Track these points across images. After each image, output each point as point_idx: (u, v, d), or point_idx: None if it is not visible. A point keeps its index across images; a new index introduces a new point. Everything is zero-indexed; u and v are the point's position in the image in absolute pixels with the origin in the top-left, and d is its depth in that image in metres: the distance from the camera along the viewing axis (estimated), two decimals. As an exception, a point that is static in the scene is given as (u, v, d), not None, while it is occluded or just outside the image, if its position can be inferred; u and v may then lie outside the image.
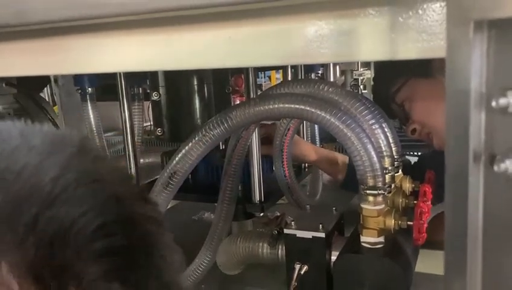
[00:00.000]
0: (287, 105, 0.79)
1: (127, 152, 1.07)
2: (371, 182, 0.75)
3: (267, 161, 1.12)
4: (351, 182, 1.18)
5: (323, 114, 0.75)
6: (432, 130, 1.04)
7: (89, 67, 0.51)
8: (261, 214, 1.07)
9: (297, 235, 0.83)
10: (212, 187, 1.08)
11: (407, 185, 0.88)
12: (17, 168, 0.25)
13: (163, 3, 0.41)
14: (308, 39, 0.43)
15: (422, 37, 0.39)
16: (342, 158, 1.22)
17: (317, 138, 1.35)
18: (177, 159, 0.85)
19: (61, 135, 0.30)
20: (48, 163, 0.26)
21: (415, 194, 0.87)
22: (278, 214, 1.09)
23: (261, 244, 0.91)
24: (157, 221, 0.29)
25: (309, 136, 1.32)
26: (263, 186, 1.04)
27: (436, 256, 1.01)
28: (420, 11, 0.38)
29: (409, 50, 0.40)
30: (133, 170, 1.15)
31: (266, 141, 1.07)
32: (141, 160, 1.34)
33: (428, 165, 1.07)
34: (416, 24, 0.39)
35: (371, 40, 0.41)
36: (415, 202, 0.83)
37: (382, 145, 0.81)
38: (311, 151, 1.19)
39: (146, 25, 0.47)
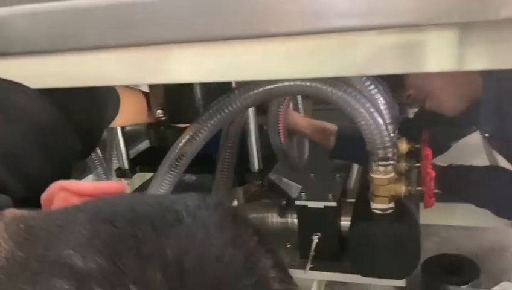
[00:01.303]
0: (292, 83, 0.78)
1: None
2: (381, 154, 0.78)
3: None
4: (340, 150, 1.23)
5: (334, 91, 0.76)
6: (428, 94, 1.06)
7: (155, 78, 0.50)
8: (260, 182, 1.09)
9: (308, 206, 0.86)
10: (206, 158, 1.07)
11: (404, 147, 0.91)
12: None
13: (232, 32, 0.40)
14: (372, 50, 0.43)
15: (493, 48, 0.40)
16: (331, 127, 1.25)
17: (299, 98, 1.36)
18: (184, 141, 0.84)
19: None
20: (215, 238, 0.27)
21: (410, 154, 0.91)
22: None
23: (269, 214, 0.93)
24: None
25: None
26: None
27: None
28: (491, 22, 0.39)
29: (478, 61, 0.41)
30: (120, 138, 1.14)
31: (261, 110, 1.07)
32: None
33: (417, 124, 1.11)
34: (487, 35, 0.40)
35: (439, 52, 0.41)
36: (417, 165, 0.87)
37: (385, 113, 0.84)
38: (304, 122, 1.21)
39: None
